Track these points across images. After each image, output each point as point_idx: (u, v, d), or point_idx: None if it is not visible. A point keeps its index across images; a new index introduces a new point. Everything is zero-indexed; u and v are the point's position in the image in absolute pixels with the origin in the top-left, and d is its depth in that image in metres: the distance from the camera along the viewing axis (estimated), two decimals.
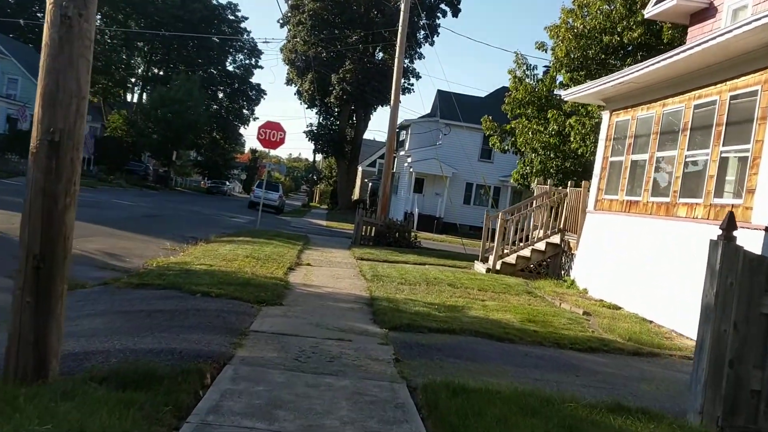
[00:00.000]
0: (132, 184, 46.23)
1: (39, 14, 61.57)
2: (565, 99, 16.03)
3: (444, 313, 8.27)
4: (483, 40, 70.37)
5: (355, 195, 68.63)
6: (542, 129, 21.99)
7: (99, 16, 65.22)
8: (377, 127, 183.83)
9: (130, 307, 6.43)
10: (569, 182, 16.04)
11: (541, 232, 14.32)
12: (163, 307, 6.53)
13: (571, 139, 20.43)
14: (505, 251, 14.09)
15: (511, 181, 24.39)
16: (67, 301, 6.76)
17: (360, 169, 69.91)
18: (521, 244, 14.26)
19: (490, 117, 24.29)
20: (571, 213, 13.75)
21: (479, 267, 14.61)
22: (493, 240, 15.16)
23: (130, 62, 69.13)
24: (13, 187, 25.51)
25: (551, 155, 21.75)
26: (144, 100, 63.72)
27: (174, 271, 9.25)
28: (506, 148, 23.87)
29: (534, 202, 15.43)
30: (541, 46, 23.32)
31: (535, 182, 23.05)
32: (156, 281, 8.09)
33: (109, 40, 66.93)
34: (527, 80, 23.19)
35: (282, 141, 19.97)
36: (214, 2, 68.30)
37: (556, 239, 13.90)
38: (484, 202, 41.95)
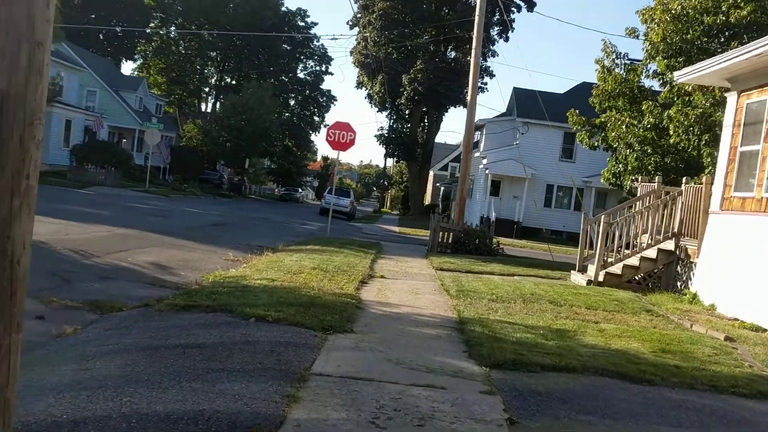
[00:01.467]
0: (206, 193, 46.29)
1: (117, 27, 63.18)
2: (678, 81, 14.01)
3: (554, 341, 6.62)
4: (560, 35, 67.70)
5: (427, 200, 67.05)
6: (636, 122, 19.91)
7: (173, 27, 66.43)
8: (448, 129, 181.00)
9: (163, 340, 5.12)
10: (670, 180, 14.02)
11: (650, 237, 12.37)
12: (205, 340, 5.19)
13: (671, 132, 18.26)
14: (609, 260, 12.22)
15: (601, 180, 22.26)
16: (91, 332, 5.53)
17: (431, 173, 68.31)
18: (626, 251, 12.35)
19: (577, 111, 22.30)
20: (689, 215, 11.76)
21: (578, 278, 12.79)
22: (591, 247, 13.34)
23: (203, 72, 70.02)
24: (88, 197, 25.33)
25: (648, 150, 19.60)
26: (217, 109, 64.19)
27: (229, 288, 7.97)
28: (596, 144, 21.80)
29: (638, 203, 13.48)
30: (632, 32, 21.22)
31: (629, 181, 20.96)
32: (205, 302, 6.80)
33: (183, 51, 68.03)
34: (617, 70, 21.11)
35: (352, 142, 18.68)
36: (284, 9, 68.34)
37: (669, 245, 11.94)
38: (565, 205, 39.64)
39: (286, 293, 7.76)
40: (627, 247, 12.64)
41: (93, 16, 59.06)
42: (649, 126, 19.37)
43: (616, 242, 12.46)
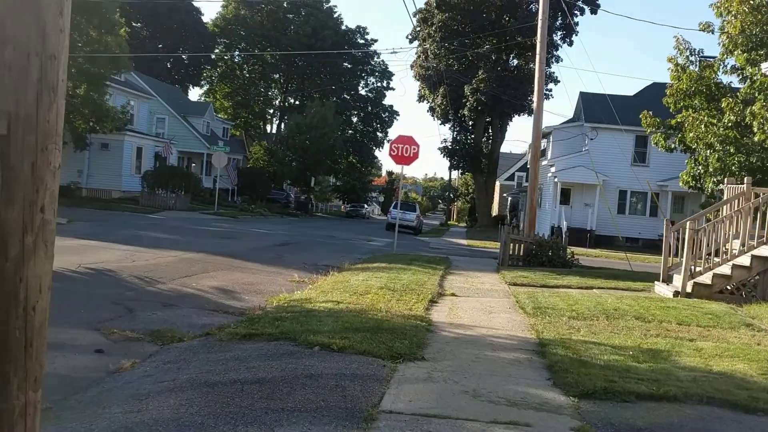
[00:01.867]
0: (274, 212, 46.80)
1: (184, 55, 65.14)
2: (766, 71, 13.00)
3: (647, 364, 5.97)
4: (627, 36, 65.65)
5: (494, 211, 65.93)
6: (715, 121, 18.77)
7: (236, 52, 68.00)
8: (513, 138, 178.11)
9: (221, 376, 4.78)
10: (756, 181, 12.95)
11: (742, 243, 11.40)
12: (265, 374, 4.83)
13: (755, 129, 17.10)
14: (697, 269, 11.31)
15: (680, 184, 21.04)
16: (149, 366, 5.27)
17: (498, 183, 67.19)
18: (716, 259, 11.42)
19: (650, 112, 21.25)
20: None
21: (662, 289, 11.92)
22: (676, 254, 12.46)
23: (267, 94, 71.34)
24: (158, 221, 25.82)
25: (731, 150, 18.39)
26: (282, 130, 65.22)
27: (292, 313, 7.65)
28: (672, 146, 20.67)
29: (726, 206, 12.51)
30: (707, 27, 20.06)
31: (710, 183, 19.75)
32: (267, 329, 6.47)
33: (247, 74, 69.52)
34: (691, 67, 19.99)
35: (416, 156, 18.27)
36: (344, 28, 68.95)
37: (764, 251, 10.95)
38: (640, 211, 38.06)
39: (352, 317, 7.36)
40: (716, 255, 11.70)
41: (160, 45, 61.09)
42: (730, 124, 18.26)
43: (704, 249, 11.54)
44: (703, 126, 18.66)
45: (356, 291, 9.82)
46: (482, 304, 9.77)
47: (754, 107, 16.89)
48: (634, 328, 7.84)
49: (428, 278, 12.16)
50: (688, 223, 11.38)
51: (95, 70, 31.09)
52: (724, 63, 19.47)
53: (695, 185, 20.86)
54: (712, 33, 19.94)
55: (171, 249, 14.73)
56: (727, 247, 11.84)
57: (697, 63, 20.25)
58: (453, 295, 10.58)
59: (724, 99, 18.26)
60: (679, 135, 20.10)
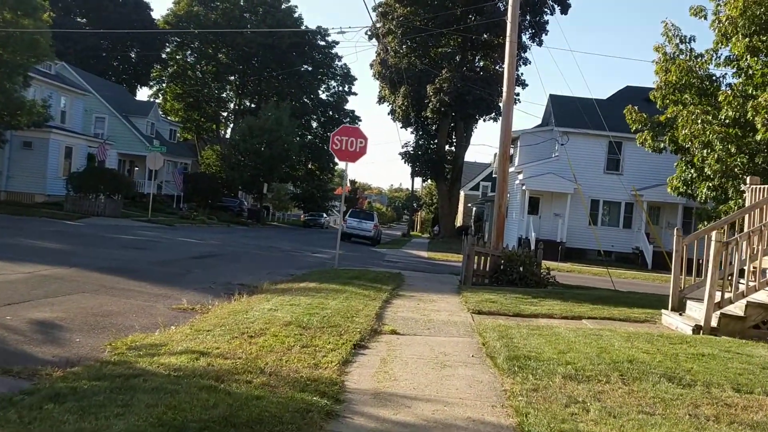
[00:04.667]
0: (223, 221, 43.19)
1: (131, 54, 61.16)
2: None
3: None
4: (596, 40, 63.71)
5: (458, 221, 63.23)
6: (710, 118, 16.07)
7: (189, 51, 64.33)
8: (479, 143, 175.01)
9: None
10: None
11: None
12: None
13: (758, 126, 14.43)
14: (726, 295, 8.37)
15: (668, 190, 18.26)
16: None
17: (462, 193, 64.57)
18: (750, 283, 8.50)
19: (636, 107, 18.48)
20: None
21: (674, 322, 8.99)
22: (690, 273, 9.58)
23: (221, 96, 67.63)
24: (68, 229, 22.21)
25: (732, 150, 15.70)
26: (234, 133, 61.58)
27: (102, 382, 4.44)
28: (661, 145, 17.93)
29: (749, 215, 9.65)
30: (699, 11, 17.34)
31: (704, 188, 17.02)
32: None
33: (200, 75, 65.79)
34: (681, 57, 17.27)
35: (363, 151, 15.15)
36: (303, 28, 65.72)
37: None
38: (613, 222, 35.52)
39: (192, 393, 4.16)
40: (740, 276, 8.83)
41: (104, 41, 57.02)
42: (728, 121, 15.59)
43: (728, 270, 8.64)
44: (699, 122, 15.94)
45: (248, 329, 6.64)
46: (433, 350, 6.65)
47: (759, 99, 14.24)
48: (673, 402, 4.81)
49: (365, 305, 9.01)
50: (714, 233, 8.44)
51: (9, 57, 27.30)
52: (717, 53, 16.85)
53: (686, 191, 18.12)
54: (705, 18, 17.20)
55: (38, 263, 11.32)
56: (754, 266, 8.96)
57: (688, 53, 17.52)
58: (393, 332, 7.44)
59: (721, 92, 15.62)
60: (669, 133, 17.37)
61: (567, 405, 4.63)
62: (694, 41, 17.50)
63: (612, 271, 26.66)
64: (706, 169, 16.34)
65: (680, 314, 9.18)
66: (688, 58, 17.07)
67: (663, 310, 9.66)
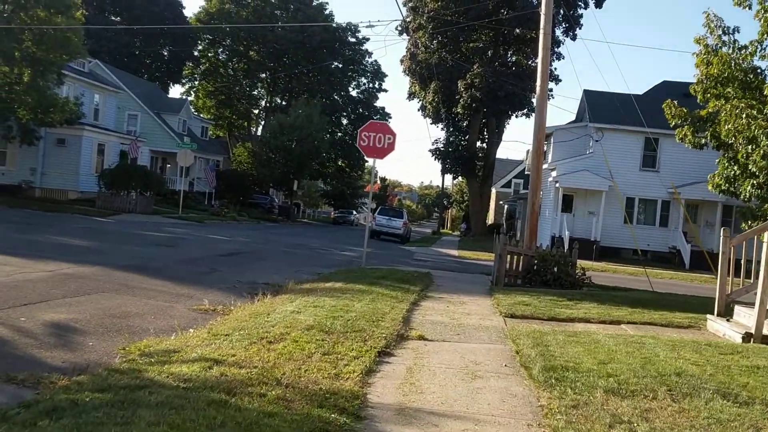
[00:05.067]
0: (254, 218, 43.23)
1: (165, 52, 61.63)
2: None
3: None
4: (631, 35, 62.35)
5: (490, 219, 62.45)
6: (755, 113, 15.30)
7: (221, 49, 64.61)
8: (510, 143, 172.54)
9: None
10: None
11: None
12: None
13: None
14: None
15: (709, 188, 17.49)
16: None
17: (493, 190, 63.76)
18: None
19: (675, 101, 17.73)
20: None
21: (721, 328, 8.44)
22: (737, 275, 9.01)
23: (252, 93, 67.80)
24: (98, 226, 22.26)
25: None
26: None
27: (106, 394, 4.14)
28: (703, 141, 17.18)
29: None
30: (743, 1, 16.56)
31: (749, 186, 16.26)
32: None
33: (231, 72, 66.06)
34: (724, 49, 16.47)
35: (391, 147, 14.77)
36: (334, 25, 65.53)
37: None
38: (649, 221, 34.53)
39: (202, 409, 3.84)
40: None
41: (137, 40, 57.53)
42: None
43: None
44: (744, 116, 15.18)
45: (268, 333, 6.32)
46: (463, 358, 6.25)
47: None
48: (731, 423, 4.34)
49: (392, 307, 8.64)
50: (766, 234, 7.87)
51: (42, 55, 27.55)
52: (762, 45, 16.04)
53: (728, 189, 17.33)
54: (749, 8, 16.40)
55: (63, 260, 11.20)
56: None
57: (732, 44, 16.71)
58: (421, 338, 7.05)
59: (767, 86, 14.86)
60: (711, 128, 16.62)
61: (611, 425, 4.20)
62: (738, 32, 16.69)
63: (649, 271, 25.84)
64: (750, 166, 15.58)
65: (727, 320, 8.62)
66: (731, 50, 16.30)
67: (708, 316, 9.10)
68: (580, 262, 17.02)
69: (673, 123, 17.70)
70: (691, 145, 17.50)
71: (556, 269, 14.60)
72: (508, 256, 14.58)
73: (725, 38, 16.52)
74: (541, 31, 16.91)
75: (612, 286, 16.09)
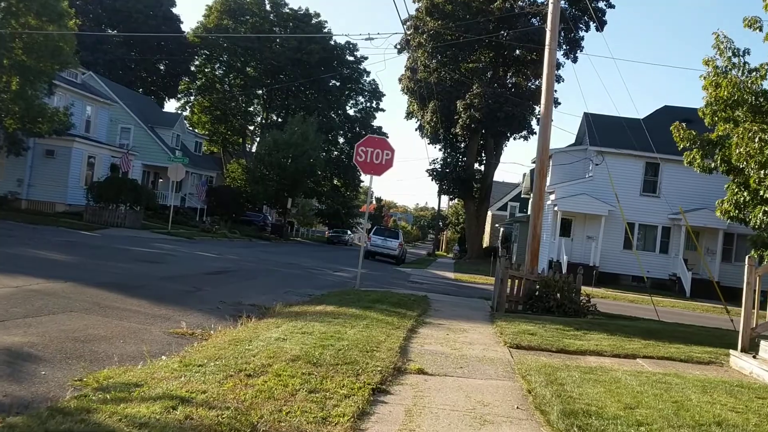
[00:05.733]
0: (246, 235, 42.39)
1: (161, 66, 61.17)
2: None
3: None
4: (632, 57, 62.13)
5: (485, 242, 61.77)
6: (767, 137, 14.71)
7: (217, 65, 64.22)
8: (506, 165, 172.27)
9: None
10: None
11: None
12: None
13: None
14: None
15: (717, 214, 16.82)
16: None
17: (489, 213, 63.16)
18: None
19: (683, 124, 17.12)
20: None
21: (748, 365, 7.71)
22: (764, 307, 8.31)
23: (248, 110, 67.29)
24: (81, 240, 21.44)
25: None
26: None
27: None
28: (713, 165, 16.57)
29: None
30: (753, 23, 16.04)
31: (760, 213, 15.63)
32: None
33: (227, 88, 65.62)
34: (733, 72, 15.91)
35: (389, 164, 14.09)
36: (332, 43, 65.29)
37: None
38: (649, 247, 33.86)
39: None
40: None
41: (133, 53, 57.04)
42: None
43: None
44: (757, 140, 14.58)
45: (247, 365, 5.55)
46: (469, 397, 5.49)
47: None
48: None
49: (387, 335, 7.89)
50: None
51: (32, 64, 26.87)
52: None
53: (737, 215, 16.69)
54: (760, 30, 15.88)
55: (34, 275, 10.40)
56: None
57: (742, 67, 16.17)
58: (421, 371, 6.30)
59: None
60: (721, 152, 16.01)
61: None
62: (749, 54, 16.16)
63: (647, 298, 25.16)
64: (762, 192, 14.95)
65: (754, 357, 7.88)
66: (741, 72, 15.75)
67: (731, 351, 8.36)
68: (583, 289, 16.31)
69: (681, 146, 17.06)
70: (700, 169, 16.87)
71: (559, 295, 13.88)
72: (510, 281, 13.85)
73: (735, 60, 15.96)
74: (546, 48, 16.37)
75: (617, 315, 15.38)
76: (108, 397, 4.41)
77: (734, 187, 16.34)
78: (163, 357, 6.14)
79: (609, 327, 11.21)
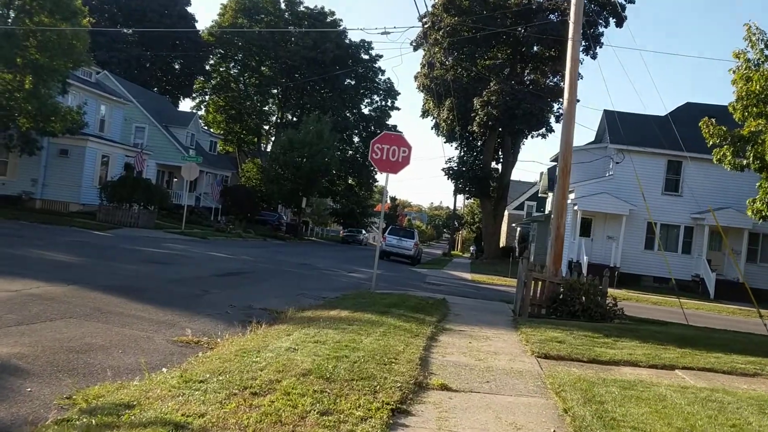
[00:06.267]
0: (260, 235, 42.05)
1: (176, 65, 61.09)
2: None
3: None
4: (652, 56, 61.27)
5: (501, 242, 61.00)
6: None
7: (232, 64, 63.96)
8: (524, 164, 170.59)
9: None
10: None
11: None
12: None
13: None
14: None
15: (748, 213, 16.14)
16: None
17: (506, 212, 62.37)
18: None
19: (713, 120, 16.39)
20: None
21: None
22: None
23: (263, 109, 67.00)
24: (94, 240, 21.11)
25: None
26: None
27: None
28: (744, 162, 15.85)
29: None
30: None
31: None
32: None
33: (242, 87, 65.36)
34: (765, 65, 15.19)
35: (406, 161, 13.54)
36: (347, 41, 64.81)
37: None
38: (671, 247, 32.98)
39: None
40: None
41: (148, 52, 56.88)
42: None
43: None
44: None
45: (253, 381, 5.03)
46: (499, 418, 4.92)
47: None
48: None
49: (406, 344, 7.34)
50: None
51: (45, 62, 26.60)
52: None
53: None
54: None
55: (35, 278, 9.97)
56: None
57: None
58: (444, 387, 5.74)
59: None
60: (754, 148, 15.28)
61: None
62: None
63: (673, 300, 24.41)
64: None
65: None
66: None
67: None
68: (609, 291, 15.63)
69: (711, 143, 16.34)
70: (731, 166, 16.13)
71: (584, 299, 13.25)
72: (533, 283, 13.24)
73: None
74: (570, 41, 15.73)
75: (645, 319, 14.74)
76: (94, 422, 3.90)
77: (767, 185, 15.62)
78: (164, 370, 5.64)
79: (640, 333, 10.58)
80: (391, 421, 4.50)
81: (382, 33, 43.65)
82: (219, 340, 7.23)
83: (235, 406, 4.38)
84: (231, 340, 7.13)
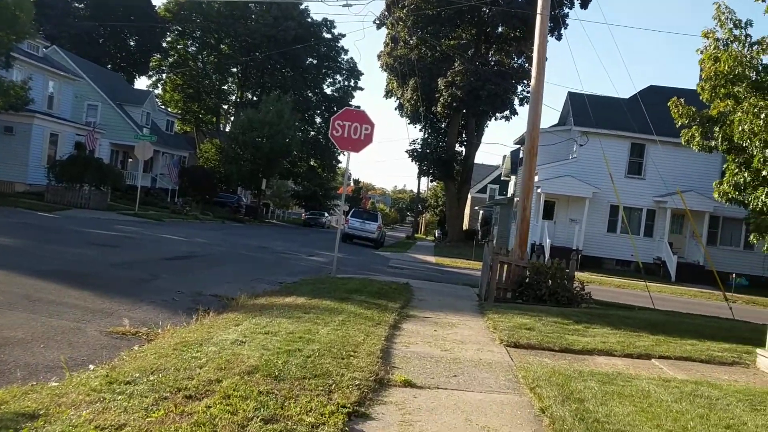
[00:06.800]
0: (219, 217, 40.95)
1: (130, 42, 59.04)
2: None
3: None
4: (616, 38, 61.23)
5: (465, 225, 60.88)
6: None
7: (190, 41, 62.14)
8: (487, 147, 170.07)
9: None
10: None
11: None
12: None
13: None
14: None
15: (714, 195, 15.92)
16: None
17: (469, 195, 62.23)
18: None
19: (682, 100, 16.06)
20: None
21: None
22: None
23: (222, 88, 65.32)
24: (38, 222, 19.97)
25: None
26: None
27: None
28: (712, 144, 15.60)
29: None
30: None
31: (763, 195, 14.71)
32: None
33: (201, 66, 63.54)
34: (734, 45, 14.86)
35: (368, 139, 12.88)
36: (309, 20, 63.44)
37: None
38: (633, 229, 33.01)
39: None
40: None
41: (100, 27, 54.67)
42: None
43: None
44: (763, 116, 13.59)
45: (189, 381, 4.36)
46: (469, 421, 4.36)
47: None
48: None
49: (366, 334, 6.74)
50: None
51: None
52: None
53: (737, 197, 15.75)
54: (764, 0, 14.85)
55: None
56: None
57: (743, 41, 15.10)
58: (408, 383, 5.16)
59: None
60: (722, 129, 15.00)
61: None
62: (751, 26, 15.11)
63: (636, 283, 24.38)
64: (765, 172, 14.00)
65: None
66: (742, 46, 14.70)
67: (758, 351, 7.36)
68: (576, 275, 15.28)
69: (680, 123, 16.01)
70: (699, 147, 15.84)
71: (551, 283, 12.86)
72: (499, 267, 12.78)
73: (737, 32, 14.90)
74: (538, 16, 15.22)
75: (612, 303, 14.45)
76: None
77: (733, 167, 15.37)
78: (90, 367, 4.96)
79: (610, 318, 10.20)
80: (346, 429, 3.90)
81: (344, 5, 42.54)
82: (160, 330, 6.54)
83: (163, 413, 3.72)
84: (172, 332, 6.44)
